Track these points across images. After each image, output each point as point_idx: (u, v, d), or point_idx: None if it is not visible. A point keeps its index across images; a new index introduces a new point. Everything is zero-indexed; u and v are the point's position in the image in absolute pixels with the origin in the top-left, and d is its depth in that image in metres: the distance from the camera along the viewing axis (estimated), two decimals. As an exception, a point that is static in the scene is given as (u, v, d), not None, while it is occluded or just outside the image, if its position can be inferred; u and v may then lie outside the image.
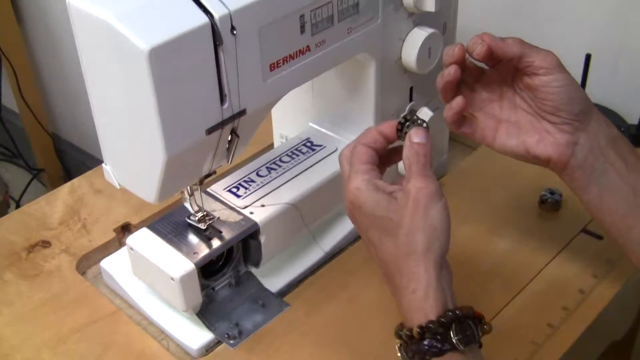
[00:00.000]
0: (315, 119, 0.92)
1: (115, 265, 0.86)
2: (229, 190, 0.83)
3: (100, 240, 0.92)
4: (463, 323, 0.62)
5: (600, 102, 1.08)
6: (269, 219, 0.80)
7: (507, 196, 0.96)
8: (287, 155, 0.88)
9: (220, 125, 0.68)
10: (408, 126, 0.68)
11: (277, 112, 0.97)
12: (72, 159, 2.39)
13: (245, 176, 0.85)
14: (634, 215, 0.71)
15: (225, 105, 0.67)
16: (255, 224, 0.79)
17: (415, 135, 0.67)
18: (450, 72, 0.72)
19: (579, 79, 0.99)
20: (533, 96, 0.72)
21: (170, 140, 0.64)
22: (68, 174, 2.41)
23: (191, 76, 0.63)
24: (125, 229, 0.93)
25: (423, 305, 0.62)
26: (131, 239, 0.79)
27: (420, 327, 0.61)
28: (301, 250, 0.87)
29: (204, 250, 0.77)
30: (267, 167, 0.86)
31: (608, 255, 0.86)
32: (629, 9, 1.05)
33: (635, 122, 1.04)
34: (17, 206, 2.28)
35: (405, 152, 0.67)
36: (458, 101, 0.73)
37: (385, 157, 0.71)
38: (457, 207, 0.91)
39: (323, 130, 0.91)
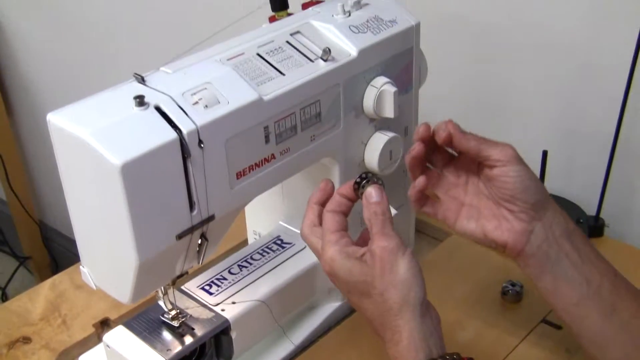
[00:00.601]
0: (285, 217, 0.97)
1: (93, 360, 0.89)
2: (202, 288, 0.87)
3: (79, 335, 0.95)
4: None
5: (560, 194, 1.13)
6: (239, 316, 0.84)
7: (470, 288, 1.00)
8: (258, 253, 0.92)
9: (190, 230, 0.72)
10: (364, 185, 0.73)
11: (250, 210, 1.01)
12: (59, 246, 2.43)
13: (218, 274, 0.89)
14: (587, 305, 0.74)
15: (195, 212, 0.72)
16: (226, 320, 0.83)
17: (370, 195, 0.72)
18: (415, 147, 0.77)
19: (538, 174, 1.05)
20: (492, 185, 0.77)
21: (142, 247, 0.68)
22: (55, 262, 2.44)
23: (161, 186, 0.68)
24: (105, 324, 0.96)
25: (406, 356, 0.66)
26: (108, 337, 0.82)
27: None
28: (272, 343, 0.91)
29: (176, 347, 0.80)
30: (239, 265, 0.90)
31: (567, 345, 0.90)
32: (581, 106, 1.11)
33: (594, 213, 1.09)
34: (3, 294, 2.31)
35: (365, 213, 0.71)
36: (420, 181, 0.78)
37: None
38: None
39: (292, 228, 0.96)
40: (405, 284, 0.68)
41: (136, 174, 0.65)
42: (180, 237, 0.71)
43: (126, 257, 0.69)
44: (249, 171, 0.76)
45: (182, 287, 0.88)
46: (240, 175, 0.75)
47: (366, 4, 0.88)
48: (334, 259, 0.71)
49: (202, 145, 0.70)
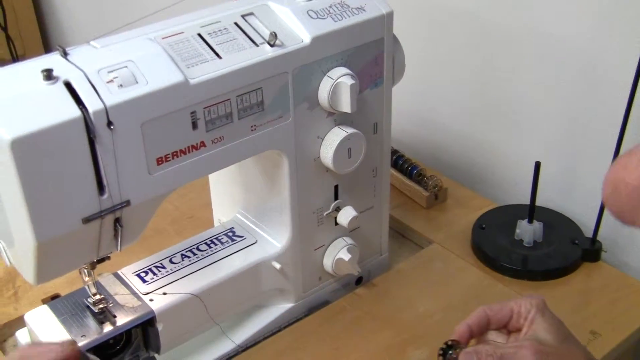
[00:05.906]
0: (243, 208, 0.92)
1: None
2: (138, 275, 0.83)
3: (26, 309, 0.92)
4: None
5: (559, 210, 1.04)
6: (167, 308, 0.79)
7: (434, 306, 0.92)
8: (206, 243, 0.88)
9: (99, 214, 0.68)
10: (451, 353, 0.66)
11: (215, 197, 0.97)
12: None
13: (158, 261, 0.85)
14: None
15: (105, 196, 0.68)
16: (152, 311, 0.79)
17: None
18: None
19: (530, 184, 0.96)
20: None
21: (40, 227, 0.65)
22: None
23: (63, 167, 0.64)
24: (54, 300, 0.94)
25: None
26: (29, 315, 0.80)
27: None
28: (212, 340, 0.86)
29: (92, 335, 0.76)
30: (182, 254, 0.86)
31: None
32: (583, 116, 1.02)
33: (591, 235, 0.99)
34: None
35: None
36: None
37: None
38: (380, 313, 0.89)
39: (246, 221, 0.90)
40: None
41: (30, 151, 0.61)
42: (87, 220, 0.68)
43: (25, 237, 0.66)
44: (173, 158, 0.71)
45: (119, 272, 0.84)
46: (161, 161, 0.70)
47: (336, -12, 0.82)
48: None
49: (111, 127, 0.65)
